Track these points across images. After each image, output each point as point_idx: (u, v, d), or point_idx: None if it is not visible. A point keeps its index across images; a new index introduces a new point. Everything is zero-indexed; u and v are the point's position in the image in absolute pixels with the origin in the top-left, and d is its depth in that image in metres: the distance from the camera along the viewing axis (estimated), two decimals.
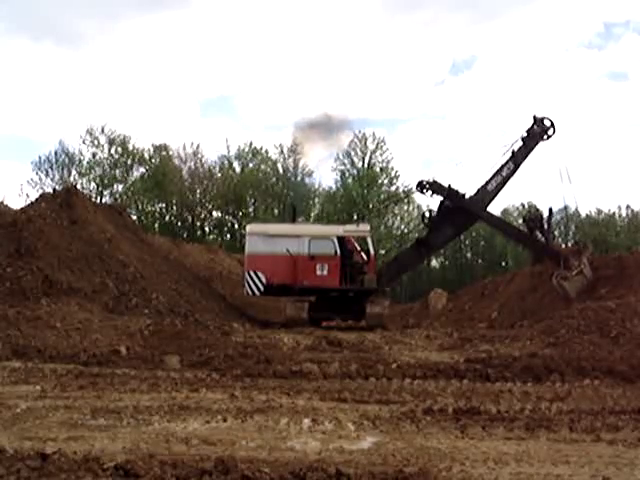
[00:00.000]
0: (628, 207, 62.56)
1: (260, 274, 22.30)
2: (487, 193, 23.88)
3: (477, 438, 6.66)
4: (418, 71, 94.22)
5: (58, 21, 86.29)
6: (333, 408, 8.01)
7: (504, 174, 23.83)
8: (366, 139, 55.46)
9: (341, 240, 22.78)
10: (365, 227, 24.61)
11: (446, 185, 23.51)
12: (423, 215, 25.91)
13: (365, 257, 23.45)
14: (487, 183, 23.83)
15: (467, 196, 23.69)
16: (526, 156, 24.18)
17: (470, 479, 5.20)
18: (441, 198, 23.71)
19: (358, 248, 23.96)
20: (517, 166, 24.05)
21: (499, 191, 24.12)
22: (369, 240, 23.48)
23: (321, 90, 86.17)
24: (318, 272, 22.14)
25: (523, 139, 24.03)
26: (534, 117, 24.29)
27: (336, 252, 22.30)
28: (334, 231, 23.61)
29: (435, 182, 23.66)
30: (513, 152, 23.84)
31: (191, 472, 5.06)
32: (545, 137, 24.27)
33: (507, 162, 23.84)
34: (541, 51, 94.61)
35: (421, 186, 23.73)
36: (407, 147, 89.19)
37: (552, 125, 24.33)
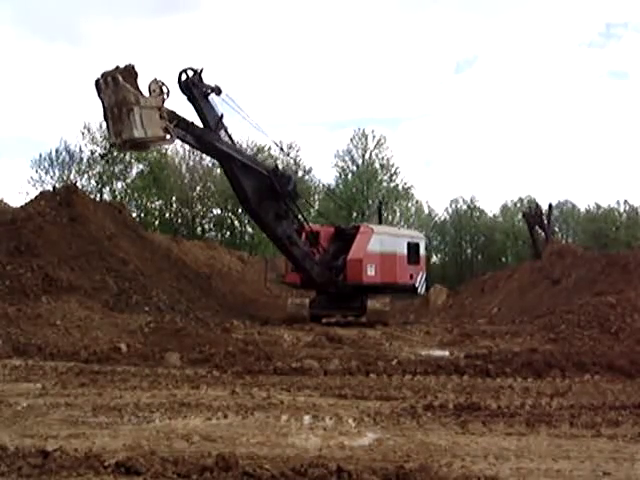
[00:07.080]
0: (626, 202, 62.52)
1: None
2: None
3: (478, 434, 6.67)
4: (421, 70, 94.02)
5: (66, 21, 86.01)
6: (334, 404, 8.02)
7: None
8: (367, 137, 55.32)
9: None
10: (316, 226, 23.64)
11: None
12: None
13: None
14: None
15: None
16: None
17: (471, 474, 5.20)
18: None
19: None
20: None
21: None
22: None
23: (324, 89, 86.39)
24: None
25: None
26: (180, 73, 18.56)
27: None
28: None
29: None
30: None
31: (192, 469, 5.07)
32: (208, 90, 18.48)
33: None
34: (543, 50, 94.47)
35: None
36: (410, 145, 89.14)
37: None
